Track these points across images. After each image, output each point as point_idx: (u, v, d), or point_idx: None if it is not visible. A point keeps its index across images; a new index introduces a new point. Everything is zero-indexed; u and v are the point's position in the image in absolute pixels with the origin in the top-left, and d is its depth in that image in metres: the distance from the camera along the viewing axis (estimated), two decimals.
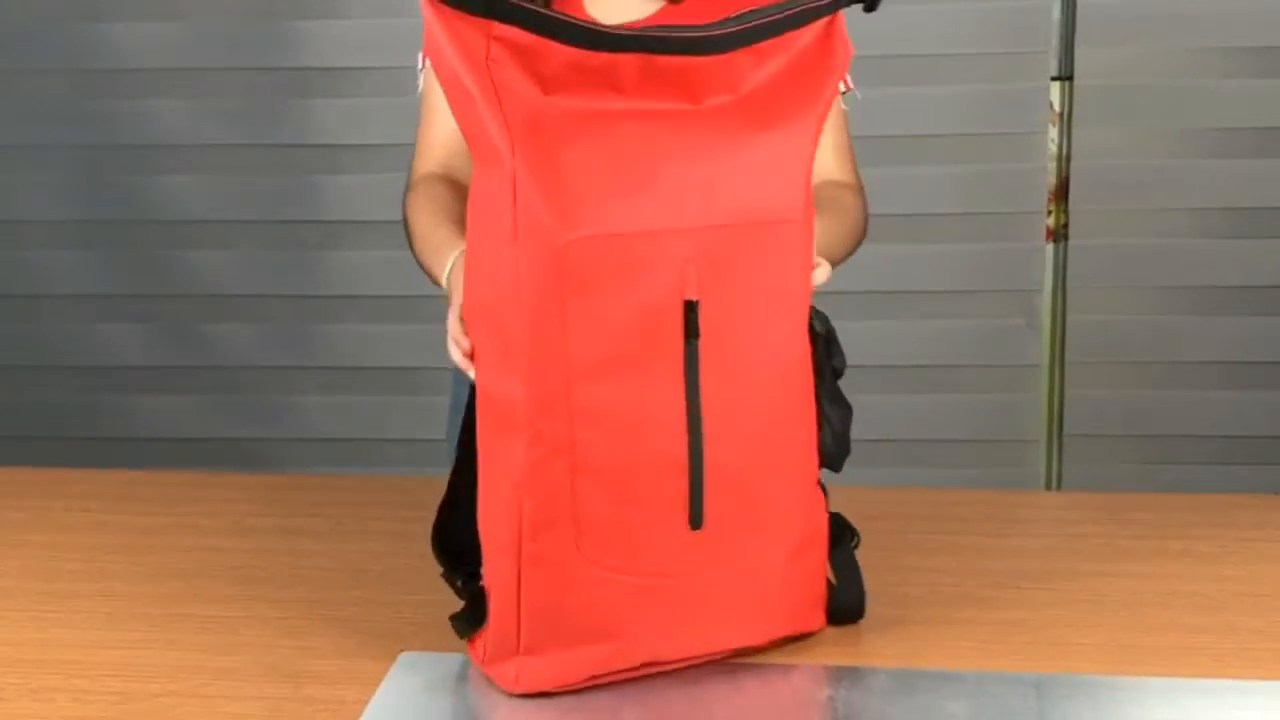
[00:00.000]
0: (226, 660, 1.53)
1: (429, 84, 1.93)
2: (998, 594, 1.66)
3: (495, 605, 1.45)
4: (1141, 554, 1.77)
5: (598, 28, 1.41)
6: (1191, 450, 3.26)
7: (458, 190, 1.80)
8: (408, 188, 1.92)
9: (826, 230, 1.67)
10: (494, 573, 1.44)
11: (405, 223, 1.86)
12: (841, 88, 1.95)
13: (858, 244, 1.89)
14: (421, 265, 1.77)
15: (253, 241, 3.37)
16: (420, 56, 1.94)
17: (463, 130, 1.42)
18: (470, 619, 1.48)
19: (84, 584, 1.73)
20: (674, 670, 1.48)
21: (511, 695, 1.43)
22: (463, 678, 1.48)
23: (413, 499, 1.98)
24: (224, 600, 1.68)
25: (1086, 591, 1.66)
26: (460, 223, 1.64)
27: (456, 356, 1.48)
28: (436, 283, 1.68)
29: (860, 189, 1.94)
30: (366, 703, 1.43)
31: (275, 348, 3.42)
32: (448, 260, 1.62)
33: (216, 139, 3.33)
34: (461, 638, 1.50)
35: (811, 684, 1.43)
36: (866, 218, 1.93)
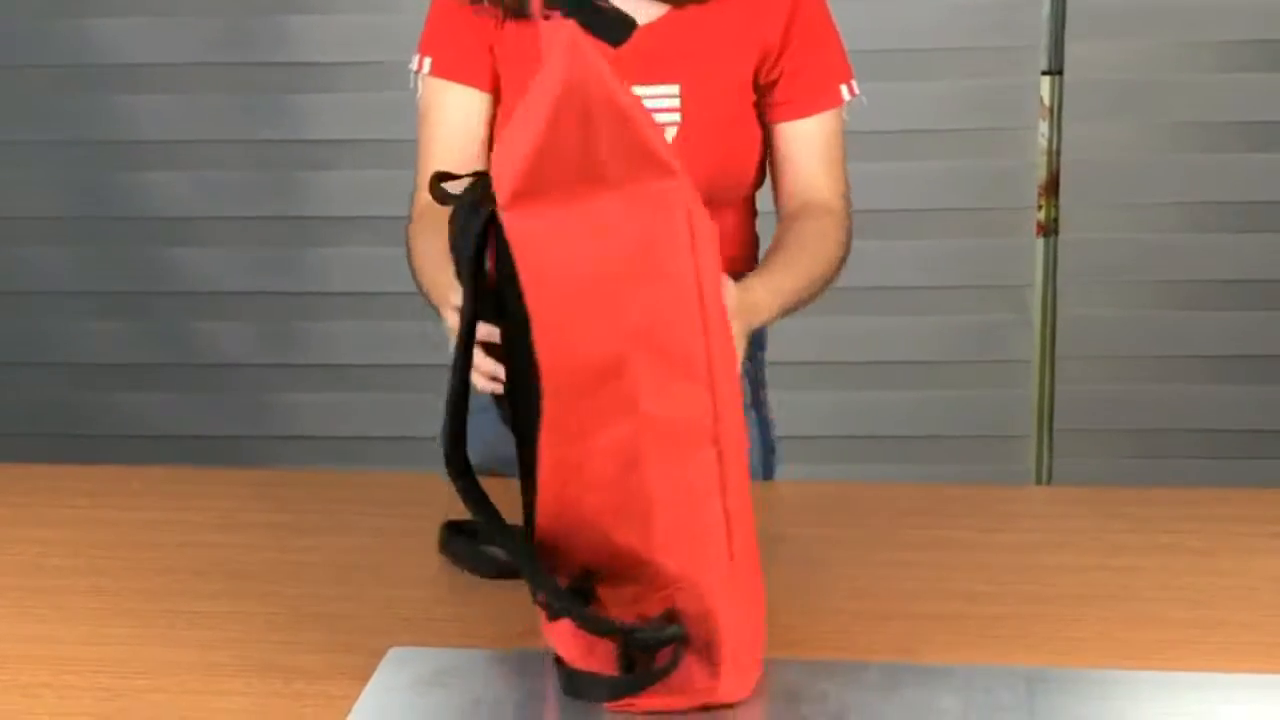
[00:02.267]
0: (215, 656, 1.52)
1: (430, 100, 1.91)
2: (988, 589, 1.66)
3: (712, 626, 1.36)
4: (1132, 548, 1.76)
5: None
6: (1182, 444, 3.27)
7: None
8: (412, 214, 1.91)
9: (784, 280, 1.73)
10: (707, 593, 1.35)
11: (408, 251, 1.86)
12: (845, 94, 1.95)
13: (833, 271, 1.89)
14: (421, 292, 1.78)
15: (241, 238, 3.37)
16: (415, 58, 1.93)
17: (599, 152, 1.30)
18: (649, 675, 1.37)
19: (72, 580, 1.72)
20: None
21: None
22: (451, 673, 1.47)
23: (401, 495, 1.99)
24: (213, 596, 1.67)
25: (1077, 586, 1.66)
26: None
27: (484, 384, 1.48)
28: (440, 315, 1.68)
29: (844, 211, 1.94)
30: (355, 698, 1.42)
31: (264, 344, 3.42)
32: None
33: (204, 135, 3.33)
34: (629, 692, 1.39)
35: (803, 679, 1.43)
36: (846, 241, 1.93)
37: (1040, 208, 3.23)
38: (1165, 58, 3.14)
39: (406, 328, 3.29)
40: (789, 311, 1.79)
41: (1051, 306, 3.26)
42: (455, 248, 1.36)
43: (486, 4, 1.86)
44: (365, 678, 1.46)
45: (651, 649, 1.37)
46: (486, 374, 1.47)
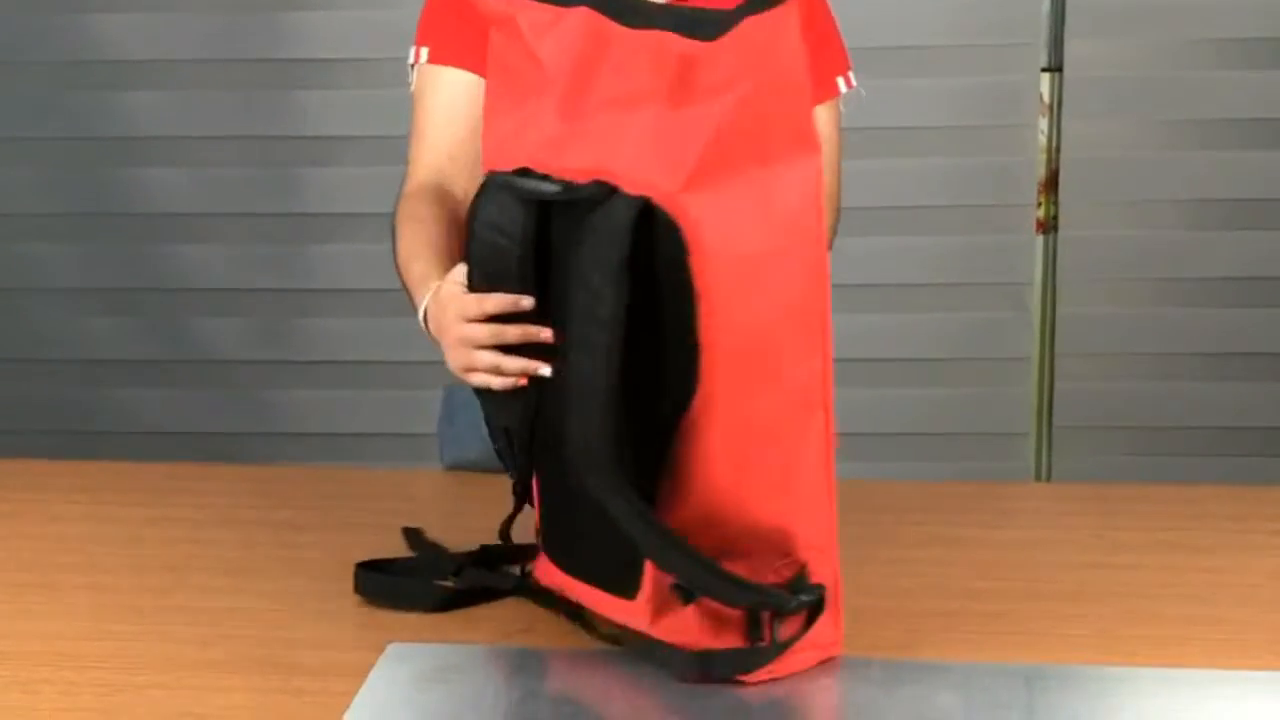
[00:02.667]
0: (215, 652, 1.52)
1: (424, 84, 1.91)
2: (987, 585, 1.66)
3: (835, 582, 1.46)
4: (1131, 545, 1.76)
5: None
6: (1181, 442, 3.27)
7: (445, 209, 1.80)
8: (400, 194, 1.90)
9: None
10: (832, 551, 1.45)
11: (392, 232, 1.87)
12: (842, 86, 1.95)
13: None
14: (401, 284, 1.80)
15: (241, 234, 3.37)
16: (412, 51, 1.93)
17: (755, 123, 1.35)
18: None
19: (72, 575, 1.72)
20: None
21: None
22: (450, 669, 1.47)
23: (400, 491, 1.99)
24: (212, 592, 1.67)
25: (1076, 582, 1.66)
26: (440, 250, 1.69)
27: (499, 381, 1.49)
28: (413, 307, 1.70)
29: (835, 205, 1.94)
30: (355, 694, 1.42)
31: (263, 341, 3.42)
32: (425, 296, 1.65)
33: (204, 131, 3.32)
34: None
35: (803, 676, 1.43)
36: (834, 231, 1.93)
37: (1040, 205, 3.23)
38: (1165, 55, 3.14)
39: (406, 324, 3.27)
40: None
41: (1051, 304, 3.26)
42: (598, 251, 1.35)
43: None
44: (364, 674, 1.46)
45: (795, 611, 1.41)
46: (516, 370, 1.47)
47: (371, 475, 2.15)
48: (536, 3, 1.45)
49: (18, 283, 3.44)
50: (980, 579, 1.68)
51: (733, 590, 1.39)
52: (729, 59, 1.36)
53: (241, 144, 3.33)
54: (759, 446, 1.39)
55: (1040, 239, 3.25)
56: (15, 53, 3.32)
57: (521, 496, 1.57)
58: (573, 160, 1.40)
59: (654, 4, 1.45)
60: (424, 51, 1.91)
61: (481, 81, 1.88)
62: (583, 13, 1.43)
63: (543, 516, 1.54)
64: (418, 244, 1.74)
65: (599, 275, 1.34)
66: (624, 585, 1.43)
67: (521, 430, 1.50)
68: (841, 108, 1.97)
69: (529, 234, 1.41)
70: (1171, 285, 3.23)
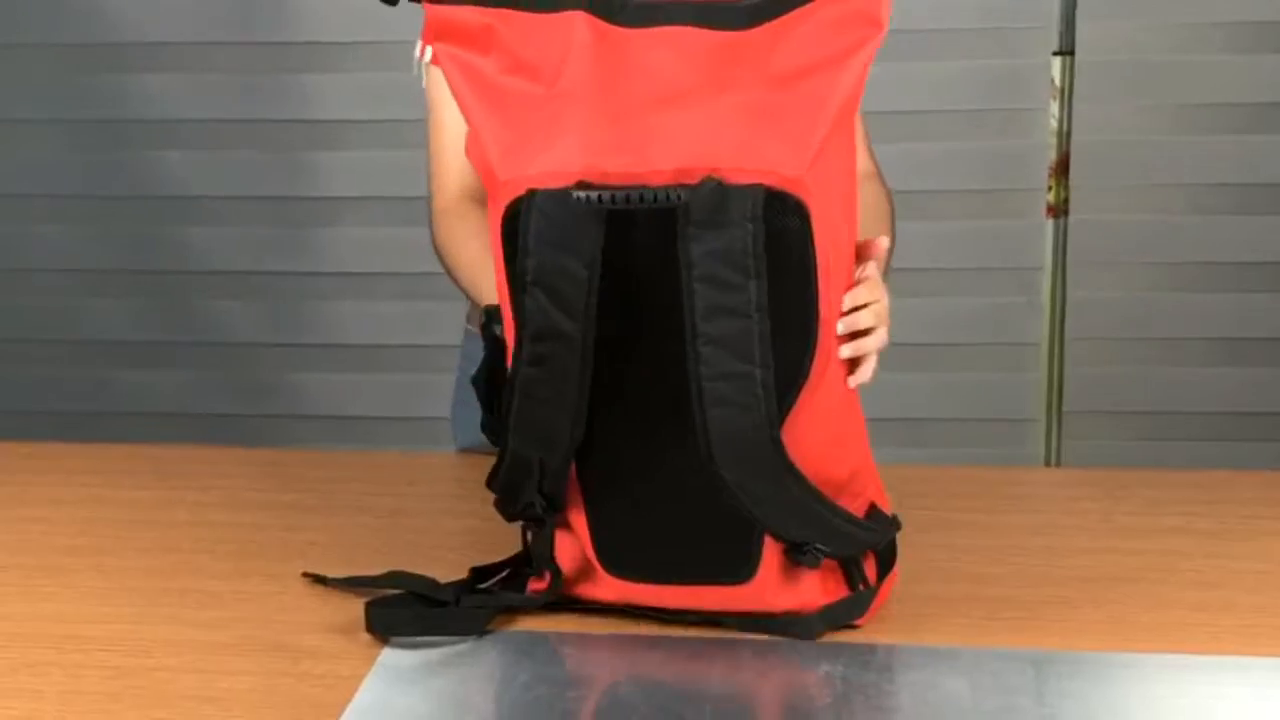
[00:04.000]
0: (221, 634, 1.52)
1: (436, 86, 1.89)
2: (996, 570, 1.66)
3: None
4: (1140, 530, 1.76)
5: None
6: (1191, 427, 3.26)
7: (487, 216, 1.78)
8: (434, 210, 1.89)
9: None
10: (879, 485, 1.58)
11: (439, 250, 1.86)
12: None
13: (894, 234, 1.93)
14: (467, 296, 1.83)
15: (249, 217, 3.37)
16: (419, 45, 1.91)
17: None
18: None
19: (78, 558, 1.72)
20: (671, 646, 1.47)
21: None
22: (459, 653, 1.47)
23: (409, 475, 1.99)
24: (219, 575, 1.67)
25: (1085, 568, 1.66)
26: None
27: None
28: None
29: (878, 173, 1.97)
30: (362, 678, 1.42)
31: (272, 324, 3.42)
32: None
33: (212, 114, 3.32)
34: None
35: (809, 660, 1.43)
36: (892, 200, 1.96)
37: (1050, 189, 3.22)
38: (1176, 38, 3.13)
39: (414, 308, 3.29)
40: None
41: (1061, 288, 3.26)
42: (728, 243, 1.34)
43: None
44: (372, 658, 1.46)
45: (883, 545, 1.53)
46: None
47: (379, 458, 2.14)
48: (518, 11, 1.42)
49: (27, 264, 3.44)
50: (989, 564, 1.67)
51: (872, 535, 1.50)
52: (796, 42, 1.38)
53: (251, 127, 3.33)
54: (838, 400, 1.48)
55: (1051, 223, 3.24)
56: (25, 35, 3.32)
57: (549, 525, 1.50)
58: (649, 162, 1.35)
59: (657, 3, 1.42)
60: (430, 50, 1.90)
61: None
62: (582, 17, 1.41)
63: (598, 537, 1.49)
64: (479, 257, 1.74)
65: (729, 268, 1.33)
66: (735, 571, 1.46)
67: (564, 459, 1.44)
68: None
69: (598, 247, 1.35)
70: (1182, 270, 3.22)
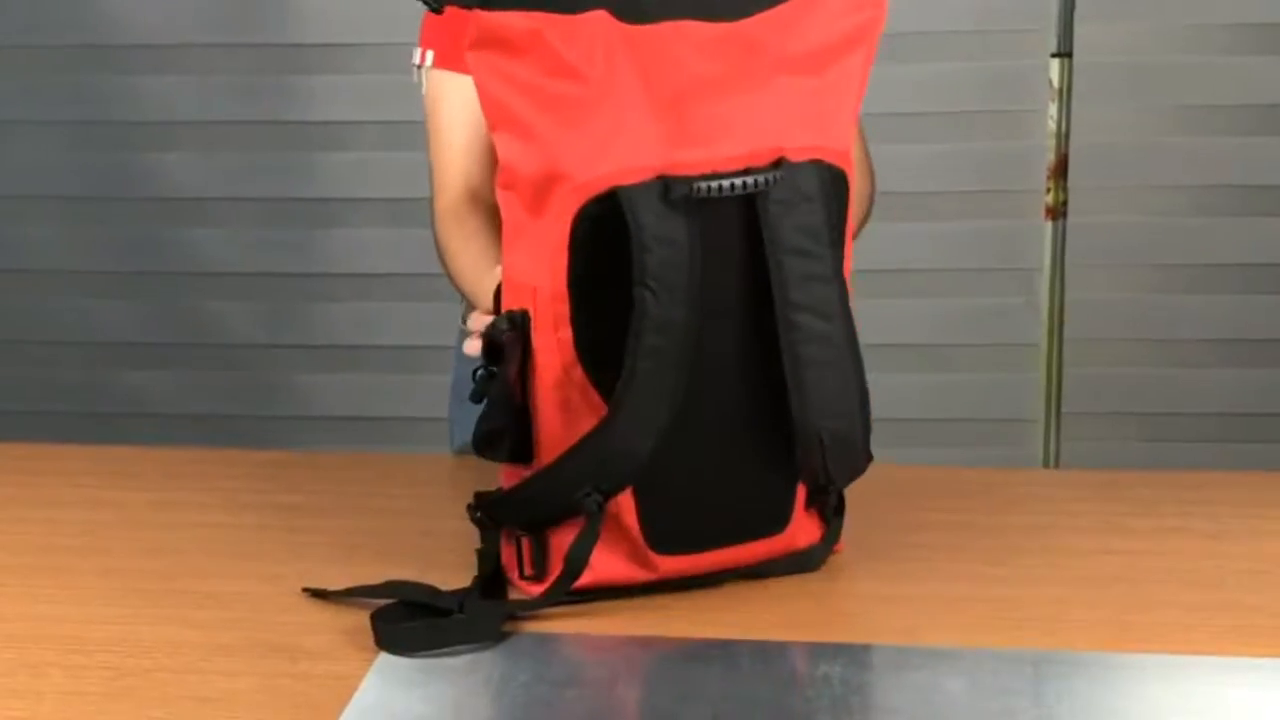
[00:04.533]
0: (221, 636, 1.52)
1: (436, 89, 1.90)
2: (995, 571, 1.66)
3: None
4: (1139, 531, 1.76)
5: None
6: (1190, 428, 3.27)
7: (490, 219, 1.79)
8: (435, 211, 1.90)
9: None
10: None
11: (441, 251, 1.87)
12: None
13: (864, 219, 1.98)
14: (463, 295, 1.85)
15: (250, 218, 3.37)
16: (417, 52, 1.92)
17: None
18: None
19: (79, 559, 1.72)
20: (670, 647, 1.48)
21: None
22: (458, 653, 1.47)
23: (410, 476, 1.99)
24: (219, 576, 1.67)
25: (1084, 568, 1.66)
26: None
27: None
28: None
29: (863, 154, 1.97)
30: (362, 678, 1.42)
31: (272, 325, 3.42)
32: None
33: (212, 116, 3.32)
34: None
35: (808, 661, 1.43)
36: (872, 184, 1.99)
37: (1049, 191, 3.22)
38: (1174, 40, 3.13)
39: (413, 309, 3.29)
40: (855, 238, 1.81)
41: (1060, 290, 3.26)
42: (807, 218, 1.49)
43: None
44: (371, 659, 1.46)
45: None
46: None
47: (380, 459, 2.15)
48: (551, 14, 1.45)
49: (27, 265, 3.44)
50: (987, 564, 1.67)
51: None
52: (807, 28, 1.51)
53: (251, 129, 3.34)
54: None
55: (1049, 225, 3.24)
56: (25, 36, 3.32)
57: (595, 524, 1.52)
58: (719, 150, 1.46)
59: None
60: (429, 55, 1.91)
61: None
62: (604, 16, 1.45)
63: (648, 521, 1.53)
64: (481, 264, 1.75)
65: (811, 239, 1.48)
66: (775, 523, 1.59)
67: (661, 445, 1.49)
68: None
69: (696, 236, 1.44)
70: (1181, 271, 3.23)
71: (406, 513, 1.83)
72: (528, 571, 1.57)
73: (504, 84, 1.48)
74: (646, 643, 1.49)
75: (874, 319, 3.23)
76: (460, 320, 2.08)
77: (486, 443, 1.55)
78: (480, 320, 1.58)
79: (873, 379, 3.21)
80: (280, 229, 3.38)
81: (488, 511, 1.58)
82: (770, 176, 1.44)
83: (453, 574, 1.61)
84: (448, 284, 1.87)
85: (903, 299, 3.27)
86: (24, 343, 3.48)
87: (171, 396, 3.46)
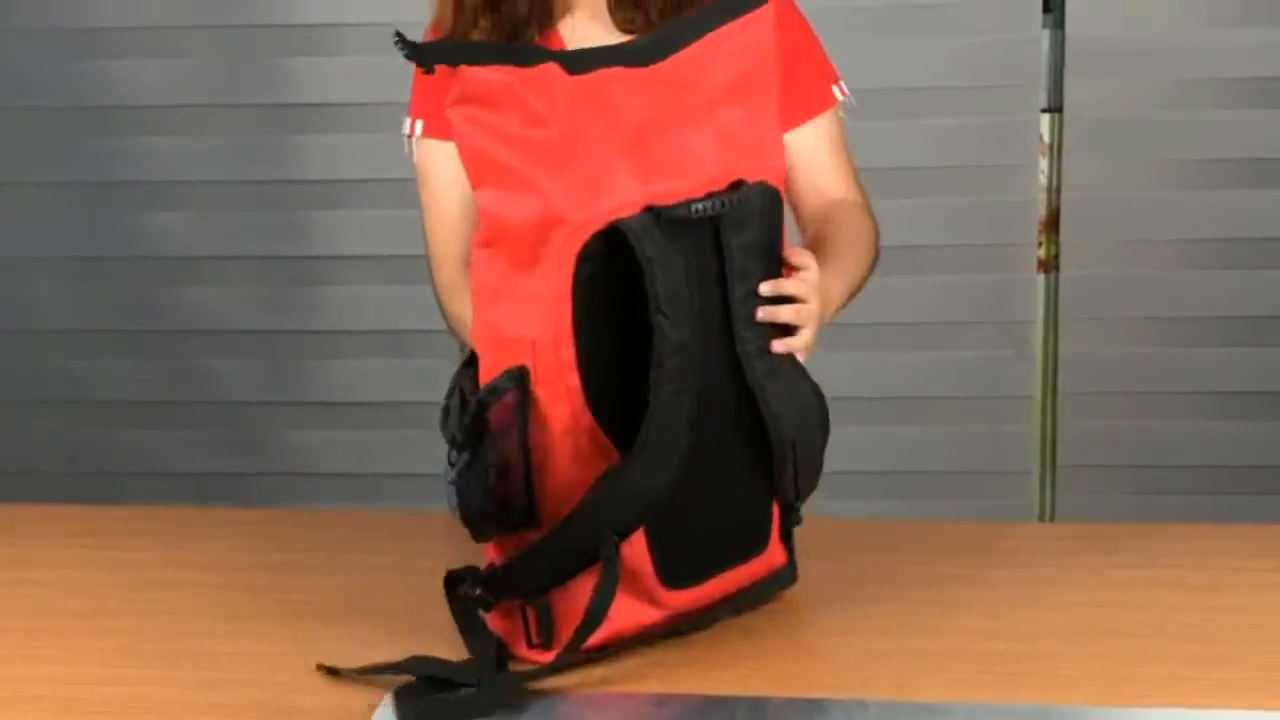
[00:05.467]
0: (218, 696, 1.53)
1: (427, 159, 1.92)
2: (988, 625, 1.66)
3: None
4: (1133, 584, 1.76)
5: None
6: (1184, 480, 3.27)
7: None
8: (438, 283, 1.92)
9: (845, 269, 1.80)
10: None
11: (452, 323, 1.91)
12: (839, 95, 1.96)
13: (874, 264, 1.94)
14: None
15: (245, 277, 3.38)
16: (407, 122, 1.94)
17: None
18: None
19: (77, 620, 1.72)
20: (668, 704, 1.48)
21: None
22: (451, 714, 1.48)
23: (404, 534, 1.99)
24: (217, 636, 1.67)
25: (1078, 622, 1.66)
26: None
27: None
28: None
29: (866, 204, 1.97)
30: None
31: (270, 382, 3.43)
32: None
33: (209, 176, 3.34)
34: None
35: (799, 716, 1.43)
36: (877, 233, 1.97)
37: (1041, 244, 3.24)
38: (1165, 95, 3.15)
39: (413, 365, 3.30)
40: (852, 297, 1.87)
41: (1053, 342, 3.27)
42: (755, 237, 1.55)
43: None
44: (367, 718, 1.46)
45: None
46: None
47: (375, 518, 2.15)
48: (516, 68, 1.49)
49: (27, 324, 3.45)
50: (981, 618, 1.68)
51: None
52: (720, 65, 1.55)
53: (248, 188, 3.35)
54: None
55: (1042, 278, 3.25)
56: (24, 97, 3.34)
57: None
58: (691, 180, 1.51)
59: (584, 51, 1.55)
60: (419, 124, 1.93)
61: None
62: (555, 69, 1.49)
63: (660, 555, 1.54)
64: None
65: (756, 258, 1.54)
66: (758, 544, 1.63)
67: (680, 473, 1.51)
68: (841, 115, 1.97)
69: (689, 258, 1.49)
70: (1174, 324, 3.23)
71: (402, 570, 1.84)
72: (535, 640, 1.56)
73: (487, 136, 1.51)
74: (642, 700, 1.49)
75: (867, 371, 3.27)
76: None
77: (487, 521, 1.55)
78: None
79: (865, 433, 3.23)
80: (276, 286, 3.38)
81: (492, 589, 1.56)
82: (734, 199, 1.51)
83: (450, 633, 1.61)
84: (444, 340, 1.88)
85: (897, 352, 3.27)
86: (20, 402, 3.48)
87: (168, 454, 3.46)
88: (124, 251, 3.39)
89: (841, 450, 3.22)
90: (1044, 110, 3.18)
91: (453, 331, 1.90)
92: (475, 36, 1.84)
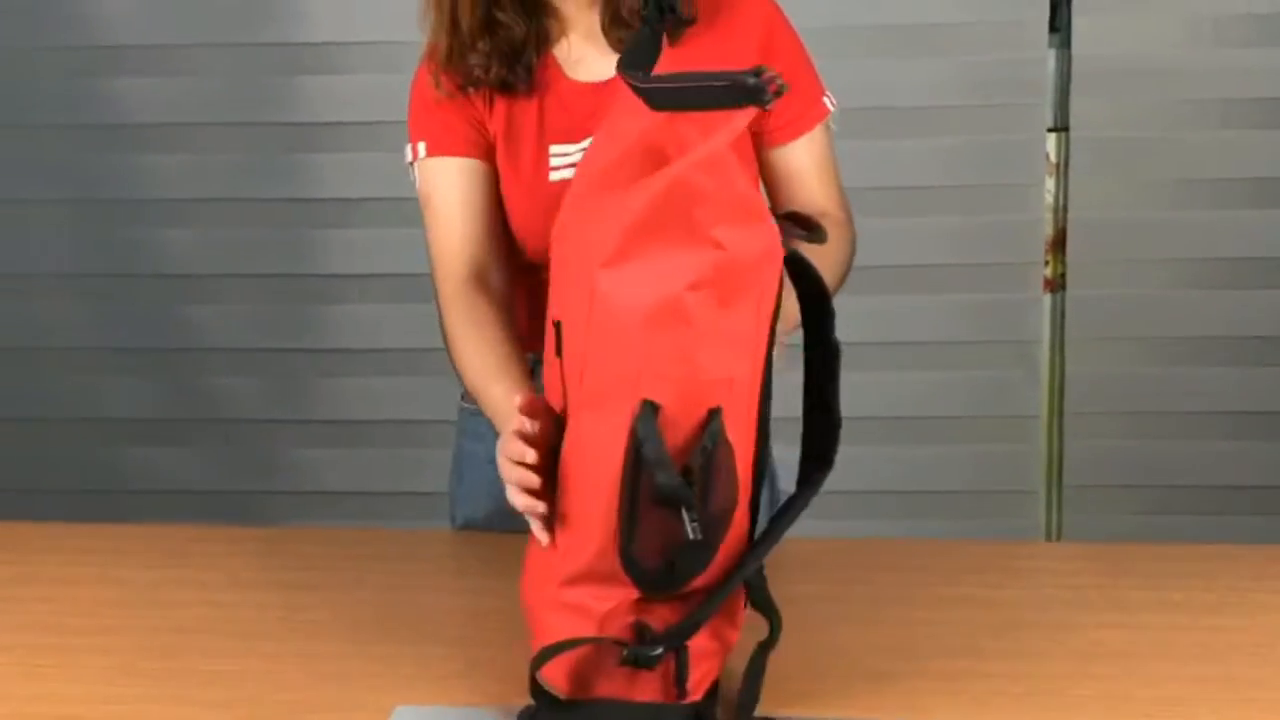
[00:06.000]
0: (224, 714, 1.52)
1: (431, 178, 1.92)
2: (996, 645, 1.66)
3: None
4: (1140, 604, 1.76)
5: None
6: (1191, 500, 3.26)
7: (497, 303, 1.84)
8: (441, 297, 1.90)
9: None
10: None
11: (446, 336, 1.87)
12: (829, 105, 1.94)
13: (844, 276, 1.87)
14: (467, 387, 1.85)
15: (255, 295, 3.38)
16: (409, 149, 1.94)
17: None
18: None
19: (82, 638, 1.72)
20: None
21: None
22: None
23: (408, 552, 1.99)
24: (221, 654, 1.67)
25: (1085, 642, 1.66)
26: (508, 349, 1.76)
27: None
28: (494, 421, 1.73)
29: (846, 218, 1.92)
30: None
31: (275, 401, 3.43)
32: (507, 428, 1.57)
33: (218, 194, 3.34)
34: None
35: None
36: (853, 245, 1.91)
37: (1047, 264, 3.24)
38: (1170, 115, 3.15)
39: (419, 384, 3.30)
40: None
41: (1060, 362, 3.26)
42: None
43: (471, 90, 1.88)
44: None
45: None
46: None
47: (379, 535, 2.15)
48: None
49: (35, 342, 3.45)
50: (989, 638, 1.67)
51: None
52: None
53: (257, 206, 3.35)
54: None
55: (1048, 297, 3.25)
56: (33, 115, 3.34)
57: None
58: None
59: None
60: (421, 146, 1.92)
61: (483, 167, 1.90)
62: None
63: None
64: (489, 360, 1.78)
65: None
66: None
67: None
68: (833, 126, 1.96)
69: None
70: (1180, 343, 3.23)
71: (408, 588, 1.84)
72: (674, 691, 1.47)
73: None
74: None
75: (876, 391, 3.26)
76: (460, 398, 2.09)
77: (690, 575, 1.45)
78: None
79: (873, 452, 3.24)
80: (284, 305, 3.39)
81: (673, 640, 1.45)
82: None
83: (457, 649, 1.61)
84: (447, 360, 1.88)
85: (902, 371, 3.27)
86: (27, 420, 3.48)
87: (175, 472, 3.46)
88: (132, 269, 3.39)
89: (848, 470, 3.22)
90: (1050, 129, 3.18)
91: (448, 348, 1.89)
92: (472, 60, 1.85)
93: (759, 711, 1.47)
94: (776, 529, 1.48)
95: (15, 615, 1.80)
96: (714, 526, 1.40)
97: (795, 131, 1.91)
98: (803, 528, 2.16)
